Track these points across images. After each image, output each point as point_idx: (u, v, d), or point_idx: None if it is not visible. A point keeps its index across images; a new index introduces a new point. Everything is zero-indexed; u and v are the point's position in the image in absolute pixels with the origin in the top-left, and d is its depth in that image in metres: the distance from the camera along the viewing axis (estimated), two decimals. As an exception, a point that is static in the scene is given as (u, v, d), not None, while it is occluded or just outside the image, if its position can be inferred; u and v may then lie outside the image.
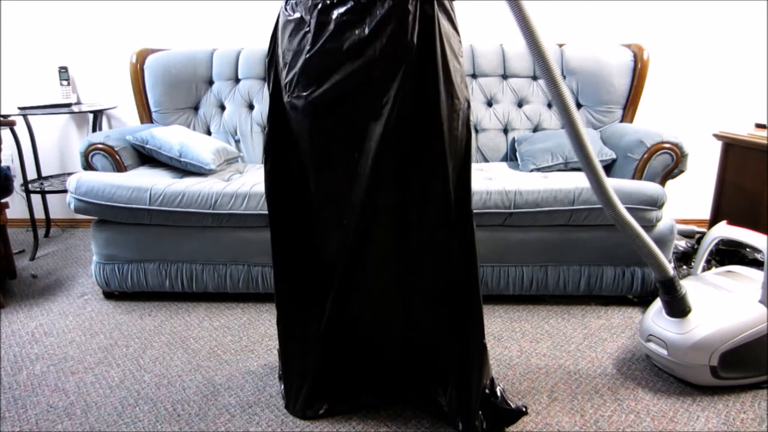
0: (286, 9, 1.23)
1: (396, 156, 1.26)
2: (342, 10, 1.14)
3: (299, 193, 1.39)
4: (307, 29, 1.18)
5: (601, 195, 1.37)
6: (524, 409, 1.44)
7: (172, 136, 2.45)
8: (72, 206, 2.18)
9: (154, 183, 2.15)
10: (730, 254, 2.30)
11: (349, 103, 1.23)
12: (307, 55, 1.20)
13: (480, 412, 1.41)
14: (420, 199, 1.30)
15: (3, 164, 2.46)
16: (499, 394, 1.44)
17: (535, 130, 2.74)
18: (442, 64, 1.20)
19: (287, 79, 1.26)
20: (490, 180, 2.22)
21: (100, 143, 2.36)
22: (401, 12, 1.14)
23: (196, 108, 2.85)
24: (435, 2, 1.17)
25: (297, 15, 1.19)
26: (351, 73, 1.18)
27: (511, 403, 1.45)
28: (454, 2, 1.25)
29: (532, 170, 2.40)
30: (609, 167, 2.41)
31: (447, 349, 1.42)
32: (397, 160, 1.26)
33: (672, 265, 2.27)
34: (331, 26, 1.16)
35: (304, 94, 1.24)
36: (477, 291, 1.38)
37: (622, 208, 1.40)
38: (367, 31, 1.14)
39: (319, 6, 1.16)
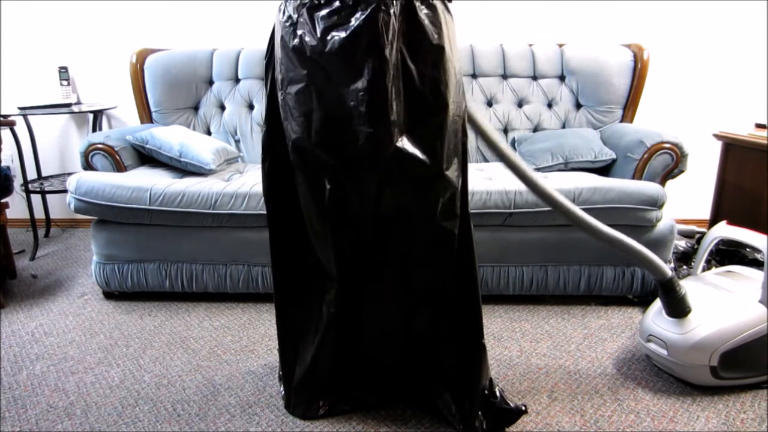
0: (279, 9, 1.25)
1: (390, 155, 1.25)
2: (325, 12, 1.15)
3: (297, 193, 1.39)
4: (294, 27, 1.19)
5: (580, 224, 1.44)
6: (524, 409, 1.44)
7: (172, 136, 2.45)
8: (72, 206, 2.18)
9: (154, 183, 2.15)
10: (730, 254, 2.30)
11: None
12: (293, 52, 1.20)
13: (479, 413, 1.41)
14: (418, 201, 1.30)
15: (3, 164, 2.46)
16: (498, 394, 1.44)
17: (535, 130, 2.74)
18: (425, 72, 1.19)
19: (280, 77, 1.27)
20: (490, 180, 2.22)
21: (100, 143, 2.36)
22: (379, 21, 1.12)
23: (196, 108, 2.85)
24: (418, 11, 1.15)
25: (287, 14, 1.20)
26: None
27: (510, 403, 1.45)
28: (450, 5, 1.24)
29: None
30: (609, 167, 2.41)
31: (445, 350, 1.42)
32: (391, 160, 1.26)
33: (672, 265, 2.28)
34: (315, 26, 1.16)
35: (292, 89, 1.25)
36: (476, 291, 1.38)
37: (607, 230, 1.47)
38: (345, 34, 1.14)
39: (307, 5, 1.16)
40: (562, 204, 1.41)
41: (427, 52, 1.17)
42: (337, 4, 1.14)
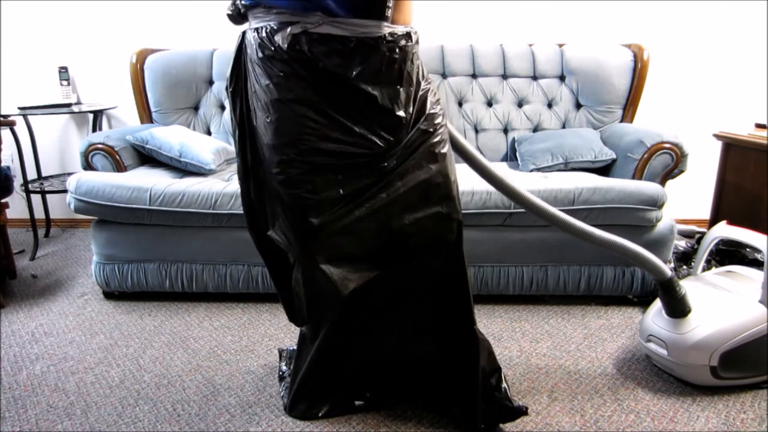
0: (257, 35, 1.21)
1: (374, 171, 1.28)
2: (323, 48, 1.17)
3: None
4: (286, 55, 1.18)
5: (570, 230, 1.47)
6: (524, 409, 1.44)
7: (172, 136, 2.45)
8: (72, 206, 2.18)
9: (154, 183, 2.15)
10: (730, 254, 2.30)
11: None
12: (283, 78, 1.20)
13: (481, 405, 1.41)
14: (410, 205, 1.31)
15: (3, 164, 2.46)
16: (503, 389, 1.45)
17: (535, 130, 2.74)
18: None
19: (265, 98, 1.24)
20: (490, 180, 2.22)
21: (100, 143, 2.36)
22: (384, 60, 1.20)
23: (196, 108, 2.85)
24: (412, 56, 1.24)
25: (274, 45, 1.19)
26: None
27: (513, 401, 1.45)
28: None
29: (532, 170, 2.40)
30: (609, 167, 2.41)
31: (445, 341, 1.43)
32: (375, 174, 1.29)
33: (672, 265, 2.28)
34: (312, 57, 1.18)
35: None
36: (465, 280, 1.39)
37: (604, 234, 1.49)
38: (349, 72, 1.19)
39: (302, 38, 1.17)
40: (549, 211, 1.45)
41: (414, 80, 1.27)
42: (335, 44, 1.17)
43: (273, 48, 1.19)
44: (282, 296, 1.53)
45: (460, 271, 1.38)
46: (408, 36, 1.23)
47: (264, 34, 1.20)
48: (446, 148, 1.33)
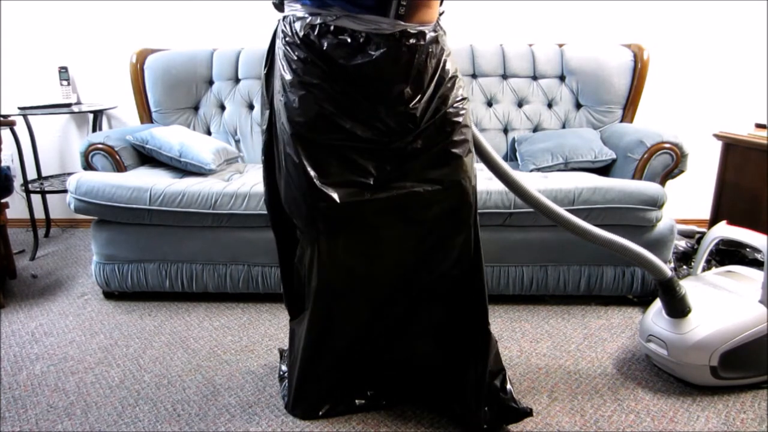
0: (284, 23, 1.28)
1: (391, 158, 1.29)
2: (334, 41, 1.20)
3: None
4: (301, 42, 1.23)
5: (576, 230, 1.48)
6: (529, 411, 1.43)
7: (172, 136, 2.45)
8: (72, 206, 2.18)
9: (154, 183, 2.15)
10: (730, 254, 2.30)
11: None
12: (300, 62, 1.24)
13: (485, 405, 1.41)
14: (416, 202, 1.31)
15: (3, 164, 2.46)
16: (508, 390, 1.44)
17: (535, 130, 2.74)
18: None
19: (288, 76, 1.28)
20: (490, 180, 2.22)
21: (100, 143, 2.36)
22: (390, 55, 1.20)
23: (196, 108, 2.85)
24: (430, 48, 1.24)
25: (293, 30, 1.24)
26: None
27: (517, 402, 1.44)
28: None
29: (532, 170, 2.40)
30: (609, 167, 2.41)
31: (453, 338, 1.43)
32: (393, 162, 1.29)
33: (672, 265, 2.28)
34: (323, 50, 1.21)
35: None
36: (480, 281, 1.39)
37: (606, 234, 1.50)
38: (355, 65, 1.21)
39: (317, 29, 1.21)
40: (553, 209, 1.46)
41: (431, 78, 1.26)
42: (347, 37, 1.19)
43: (292, 35, 1.24)
44: (283, 280, 1.57)
45: (473, 272, 1.38)
46: (420, 35, 1.22)
47: (288, 22, 1.26)
48: (461, 150, 1.31)
